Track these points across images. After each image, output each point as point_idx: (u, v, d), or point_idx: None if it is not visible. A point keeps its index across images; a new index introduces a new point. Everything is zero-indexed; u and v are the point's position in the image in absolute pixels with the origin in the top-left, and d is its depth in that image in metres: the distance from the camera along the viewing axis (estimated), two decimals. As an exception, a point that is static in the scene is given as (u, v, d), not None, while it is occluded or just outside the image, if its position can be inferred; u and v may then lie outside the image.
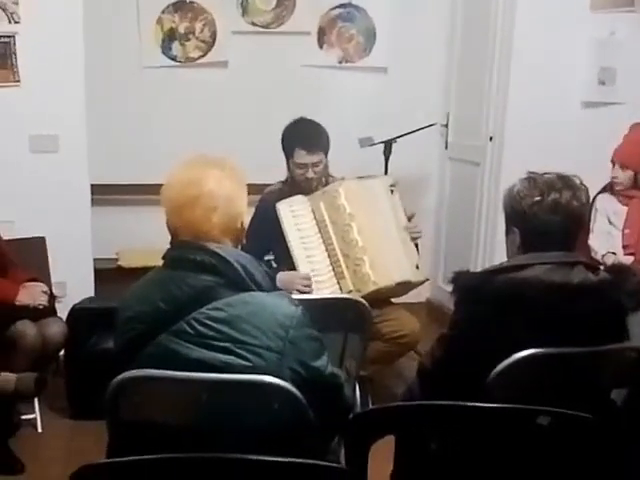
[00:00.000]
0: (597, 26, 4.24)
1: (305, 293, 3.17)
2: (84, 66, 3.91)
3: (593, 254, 3.56)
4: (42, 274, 3.61)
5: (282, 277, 3.20)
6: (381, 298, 3.32)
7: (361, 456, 1.91)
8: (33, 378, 3.14)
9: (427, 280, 3.64)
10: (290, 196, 3.37)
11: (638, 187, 3.63)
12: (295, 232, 3.30)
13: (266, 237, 3.33)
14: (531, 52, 4.25)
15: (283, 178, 3.53)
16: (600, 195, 3.70)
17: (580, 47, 4.28)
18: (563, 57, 4.29)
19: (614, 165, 3.66)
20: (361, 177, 3.53)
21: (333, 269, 3.30)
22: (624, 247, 3.60)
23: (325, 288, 3.25)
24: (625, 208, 3.64)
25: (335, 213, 3.31)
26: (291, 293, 3.01)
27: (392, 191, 3.44)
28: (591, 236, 3.62)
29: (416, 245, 3.46)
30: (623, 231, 3.61)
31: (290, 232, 3.29)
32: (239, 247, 1.92)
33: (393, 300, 3.53)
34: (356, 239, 3.27)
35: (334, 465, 1.87)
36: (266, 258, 3.39)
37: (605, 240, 3.61)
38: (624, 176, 3.63)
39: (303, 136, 3.36)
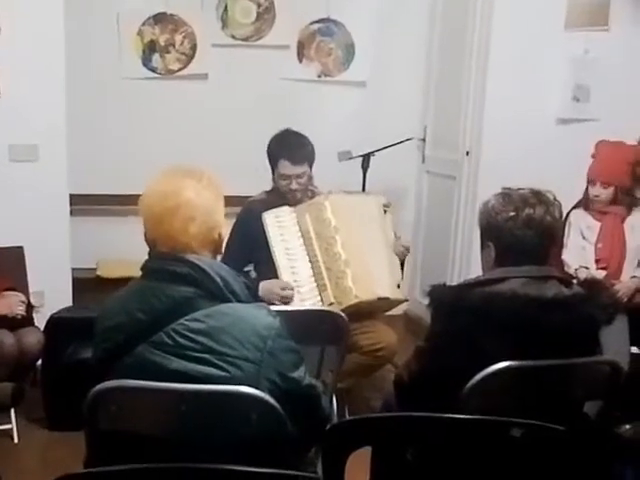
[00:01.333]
0: (572, 44, 4.32)
1: (286, 302, 3.19)
2: (65, 76, 3.91)
3: (566, 268, 3.59)
4: (20, 283, 3.59)
5: (264, 285, 3.24)
6: (361, 312, 3.33)
7: (338, 467, 1.92)
8: (10, 388, 3.13)
9: (406, 300, 3.67)
10: (274, 206, 3.38)
11: (616, 202, 3.67)
12: (280, 242, 3.31)
13: (247, 246, 3.35)
14: (507, 68, 4.30)
15: (261, 190, 3.55)
16: (574, 210, 3.72)
17: (555, 64, 4.35)
18: (539, 74, 4.35)
19: (594, 184, 3.65)
20: (349, 192, 3.56)
21: (316, 281, 3.31)
22: (597, 261, 3.63)
23: (307, 299, 3.26)
24: (598, 223, 3.66)
25: (320, 226, 3.32)
26: (272, 302, 3.05)
27: (385, 211, 3.49)
28: (565, 251, 3.65)
29: (402, 264, 3.50)
30: (596, 246, 3.64)
31: (275, 242, 3.30)
32: (217, 258, 1.94)
33: (371, 312, 3.55)
34: (339, 252, 3.28)
35: (311, 475, 1.88)
36: (245, 269, 3.40)
37: (578, 255, 3.64)
38: (606, 193, 3.65)
39: (288, 148, 3.38)
